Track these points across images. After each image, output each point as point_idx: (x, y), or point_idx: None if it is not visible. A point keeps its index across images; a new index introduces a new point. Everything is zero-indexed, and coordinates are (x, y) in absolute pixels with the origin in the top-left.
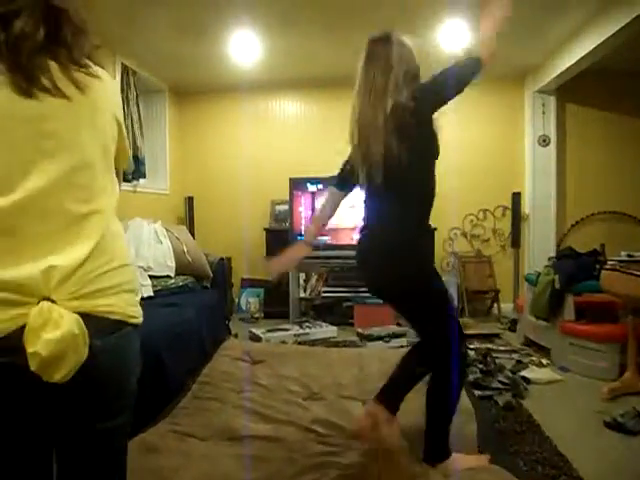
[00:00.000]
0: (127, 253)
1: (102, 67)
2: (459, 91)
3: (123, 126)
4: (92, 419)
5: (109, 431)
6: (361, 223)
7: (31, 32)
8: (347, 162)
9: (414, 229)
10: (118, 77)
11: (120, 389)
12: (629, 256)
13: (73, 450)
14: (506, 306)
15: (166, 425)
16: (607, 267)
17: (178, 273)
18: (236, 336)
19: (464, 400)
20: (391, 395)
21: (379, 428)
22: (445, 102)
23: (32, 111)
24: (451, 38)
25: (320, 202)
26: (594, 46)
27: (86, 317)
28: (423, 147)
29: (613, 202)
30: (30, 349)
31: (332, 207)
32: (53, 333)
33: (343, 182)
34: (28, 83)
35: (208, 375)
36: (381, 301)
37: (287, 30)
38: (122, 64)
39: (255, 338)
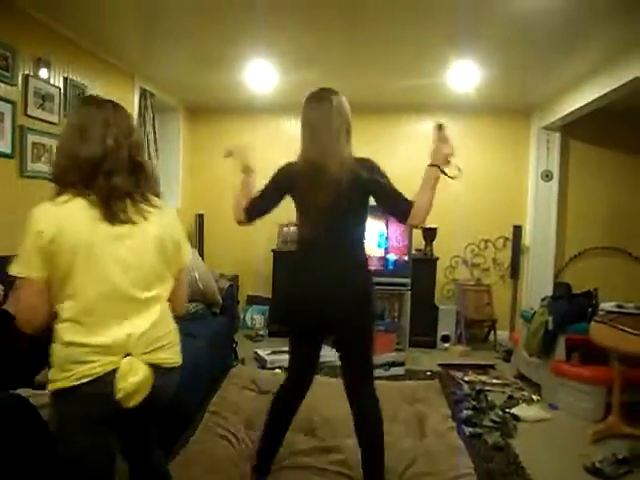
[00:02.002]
0: (172, 320)
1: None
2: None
3: (181, 242)
4: (147, 428)
5: (154, 431)
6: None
7: (122, 185)
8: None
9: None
10: (136, 100)
11: (165, 408)
12: (618, 307)
13: (140, 434)
14: (502, 333)
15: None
16: (596, 319)
17: (189, 300)
18: (243, 361)
19: (453, 436)
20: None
21: None
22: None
23: (113, 232)
24: (460, 77)
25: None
26: (603, 92)
27: (151, 365)
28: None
29: (610, 238)
30: (120, 386)
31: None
32: (135, 377)
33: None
34: (111, 217)
35: (217, 405)
36: (381, 328)
37: (301, 64)
38: (140, 87)
39: (260, 360)
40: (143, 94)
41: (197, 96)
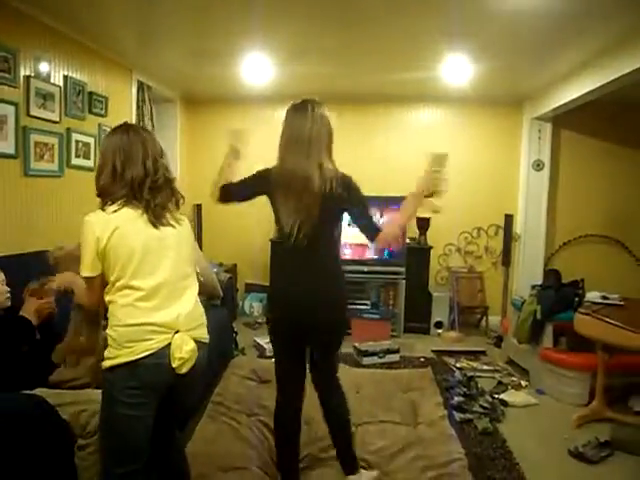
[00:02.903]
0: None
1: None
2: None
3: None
4: (194, 390)
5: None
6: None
7: (165, 203)
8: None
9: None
10: (134, 93)
11: (203, 375)
12: (603, 297)
13: (176, 405)
14: (494, 319)
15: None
16: (581, 311)
17: None
18: (243, 351)
19: (444, 425)
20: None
21: None
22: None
23: (158, 234)
24: (453, 71)
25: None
26: (595, 86)
27: (195, 340)
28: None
29: (599, 226)
30: (177, 355)
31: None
32: (187, 347)
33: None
34: (156, 221)
35: (221, 395)
36: (377, 317)
37: (296, 57)
38: (138, 81)
39: (260, 349)
40: (141, 87)
41: (194, 87)
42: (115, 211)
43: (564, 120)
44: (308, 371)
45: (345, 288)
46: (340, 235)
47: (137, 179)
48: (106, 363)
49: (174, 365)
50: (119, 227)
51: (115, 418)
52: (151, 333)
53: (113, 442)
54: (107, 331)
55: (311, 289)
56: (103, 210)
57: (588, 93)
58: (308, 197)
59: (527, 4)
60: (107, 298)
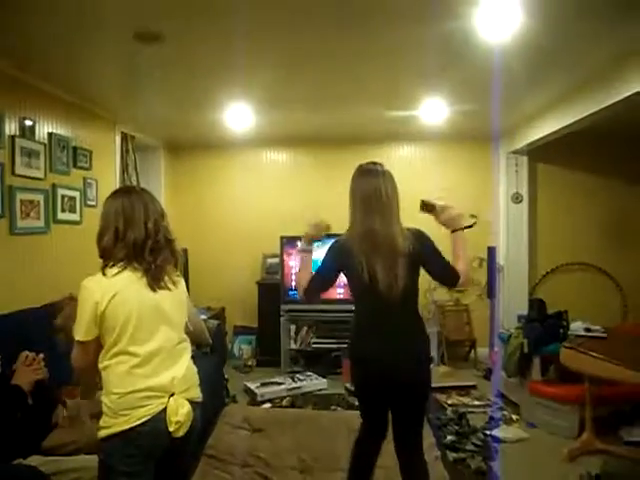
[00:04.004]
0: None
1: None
2: (435, 278)
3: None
4: (187, 449)
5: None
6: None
7: (164, 264)
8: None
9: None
10: (118, 144)
11: (197, 436)
12: (586, 330)
13: (174, 466)
14: (483, 350)
15: None
16: (565, 345)
17: None
18: (234, 398)
19: (439, 468)
20: None
21: None
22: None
23: (156, 298)
24: (430, 112)
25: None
26: (569, 122)
27: (189, 401)
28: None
29: (580, 254)
30: (173, 419)
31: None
32: (183, 410)
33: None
34: (155, 285)
35: (213, 447)
36: None
37: (275, 104)
38: (121, 132)
39: (251, 393)
40: (124, 137)
41: (177, 134)
42: (115, 275)
43: (539, 153)
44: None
45: (430, 346)
46: (418, 293)
47: (139, 241)
48: (102, 433)
49: (171, 429)
50: (119, 292)
51: None
52: (147, 399)
53: None
54: (102, 398)
55: (404, 349)
56: (104, 274)
57: (563, 128)
58: (394, 257)
59: (499, 43)
60: (101, 365)
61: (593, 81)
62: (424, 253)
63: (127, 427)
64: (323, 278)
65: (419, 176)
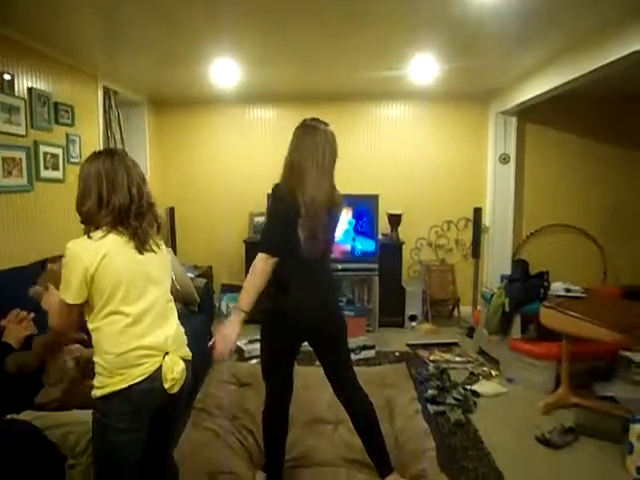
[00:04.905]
0: None
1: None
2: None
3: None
4: (179, 405)
5: (182, 410)
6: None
7: (147, 225)
8: (280, 228)
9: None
10: (100, 99)
11: (187, 392)
12: (566, 290)
13: (167, 421)
14: (466, 309)
15: None
16: (545, 304)
17: None
18: None
19: (420, 420)
20: (385, 459)
21: None
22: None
23: (143, 260)
24: (420, 70)
25: (252, 271)
26: (560, 82)
27: (182, 359)
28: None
29: (563, 216)
30: (169, 376)
31: (265, 277)
32: (178, 368)
33: (277, 250)
34: (142, 247)
35: (202, 401)
36: (352, 313)
37: (264, 59)
38: (103, 87)
39: (238, 351)
40: (107, 93)
41: (161, 90)
42: (101, 237)
43: (529, 114)
44: (327, 380)
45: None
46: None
47: (124, 206)
48: (97, 392)
49: (166, 386)
50: (107, 254)
51: (112, 446)
52: (143, 357)
53: (111, 470)
54: (95, 359)
55: (328, 293)
56: (89, 237)
57: (554, 88)
58: (323, 215)
59: (492, 2)
60: (91, 325)
61: (584, 42)
62: (337, 217)
63: (124, 386)
64: (282, 234)
65: (407, 135)
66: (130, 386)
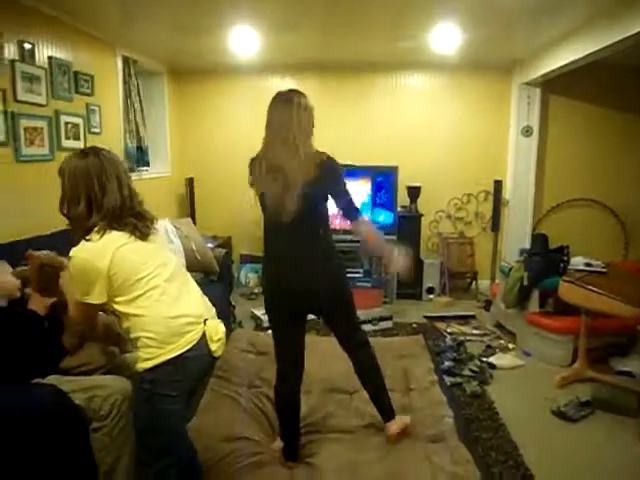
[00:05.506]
0: None
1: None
2: (341, 209)
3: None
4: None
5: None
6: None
7: (143, 218)
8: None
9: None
10: (120, 68)
11: None
12: (587, 264)
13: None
14: (484, 283)
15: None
16: (565, 279)
17: (188, 271)
18: (241, 324)
19: (436, 391)
20: (387, 405)
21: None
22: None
23: (147, 245)
24: (442, 39)
25: None
26: (586, 53)
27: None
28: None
29: (585, 190)
30: (215, 338)
31: None
32: (220, 329)
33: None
34: (144, 237)
35: (221, 369)
36: (369, 285)
37: (283, 28)
38: (123, 56)
39: (256, 319)
40: (126, 62)
41: (181, 59)
42: (102, 236)
43: (553, 85)
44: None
45: (338, 265)
46: (327, 218)
47: (116, 208)
48: (147, 364)
49: (213, 349)
50: (116, 250)
51: (162, 415)
52: (188, 325)
53: (161, 439)
54: (138, 334)
55: (303, 263)
56: (90, 240)
57: (580, 59)
58: (290, 188)
59: None
60: (123, 309)
61: (610, 13)
62: (327, 183)
63: (175, 354)
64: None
65: (428, 106)
66: (181, 354)
